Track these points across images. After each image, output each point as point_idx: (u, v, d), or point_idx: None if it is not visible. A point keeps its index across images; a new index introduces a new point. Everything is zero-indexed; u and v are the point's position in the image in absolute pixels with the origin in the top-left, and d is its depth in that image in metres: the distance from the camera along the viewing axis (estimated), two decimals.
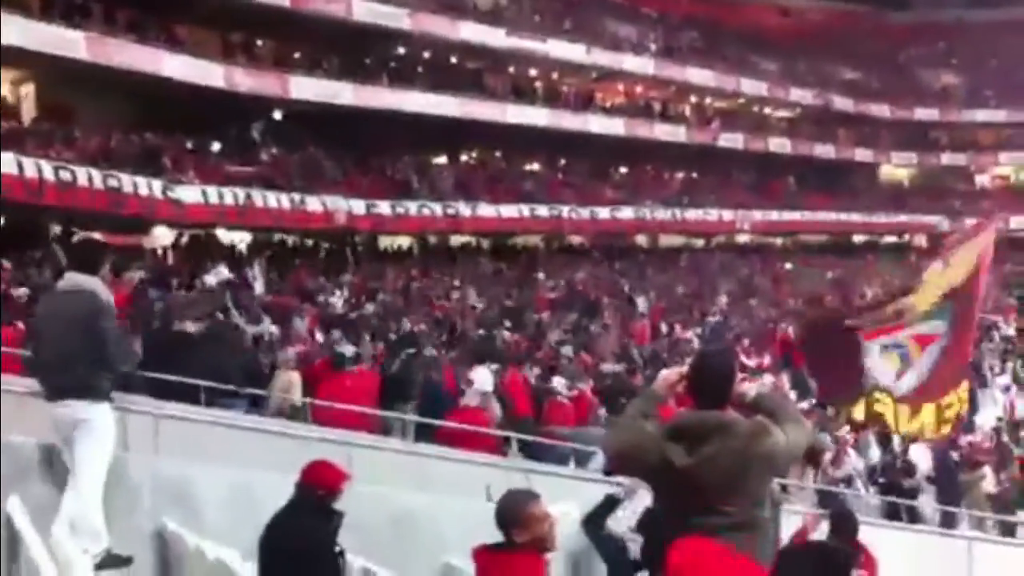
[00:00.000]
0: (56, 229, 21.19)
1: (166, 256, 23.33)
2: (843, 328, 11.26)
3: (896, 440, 16.15)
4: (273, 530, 5.31)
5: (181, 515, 6.43)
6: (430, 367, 13.73)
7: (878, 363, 10.95)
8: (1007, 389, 22.79)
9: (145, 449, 7.45)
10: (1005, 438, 17.93)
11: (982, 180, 55.94)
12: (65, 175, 20.75)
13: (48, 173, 20.43)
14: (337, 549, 5.34)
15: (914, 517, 13.49)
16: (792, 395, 19.15)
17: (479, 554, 4.25)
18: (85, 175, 21.24)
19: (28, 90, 25.44)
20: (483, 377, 12.32)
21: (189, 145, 26.76)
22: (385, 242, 30.98)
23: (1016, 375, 23.94)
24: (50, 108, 24.81)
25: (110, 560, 5.64)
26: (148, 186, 22.70)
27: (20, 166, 19.87)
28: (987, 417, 20.53)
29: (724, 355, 5.06)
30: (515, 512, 4.17)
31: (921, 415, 11.24)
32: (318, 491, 5.37)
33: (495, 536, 4.24)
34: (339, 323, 17.00)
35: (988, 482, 15.16)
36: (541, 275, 30.11)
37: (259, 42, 30.79)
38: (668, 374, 4.48)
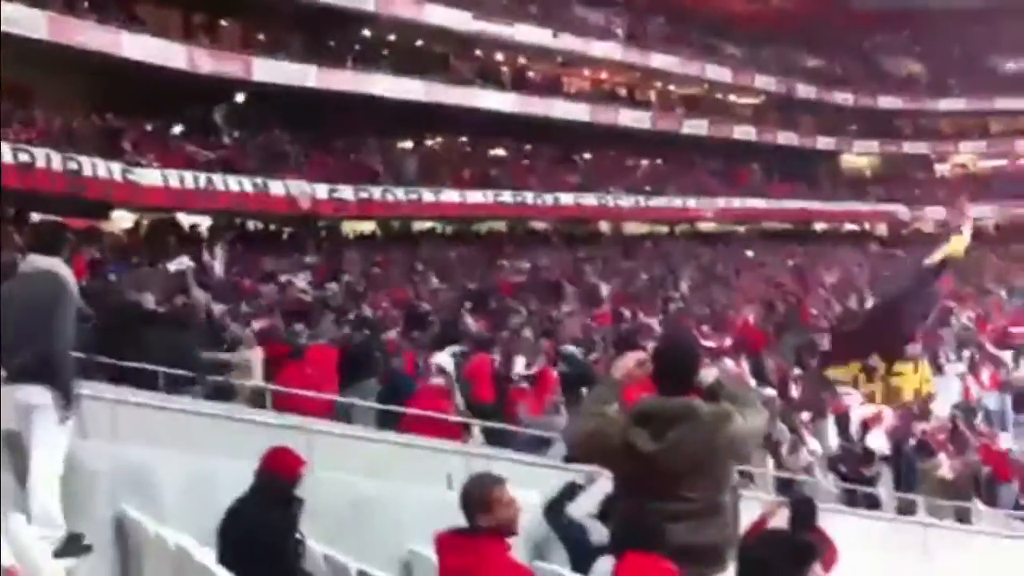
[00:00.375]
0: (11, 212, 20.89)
1: (126, 240, 23.06)
2: None
3: (854, 426, 16.37)
4: (232, 517, 5.30)
5: (140, 502, 6.40)
6: (391, 352, 13.72)
7: None
8: (963, 376, 23.05)
9: (103, 436, 7.39)
10: (961, 426, 18.17)
11: (942, 169, 56.47)
12: (24, 157, 20.46)
13: (7, 155, 20.13)
14: (297, 536, 5.33)
15: (872, 504, 13.67)
16: (751, 381, 19.32)
17: (442, 538, 4.27)
18: (44, 157, 20.94)
19: None
20: (444, 361, 12.36)
21: (150, 127, 26.46)
22: (348, 227, 30.80)
23: (972, 360, 24.19)
24: (8, 88, 24.37)
25: (69, 547, 5.60)
26: (108, 169, 22.41)
27: None
28: (943, 405, 20.79)
29: (687, 341, 5.11)
30: (481, 496, 4.19)
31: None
32: (278, 478, 5.35)
33: (456, 523, 4.26)
34: (300, 306, 16.92)
35: (944, 469, 15.37)
36: (505, 261, 30.09)
37: (222, 23, 30.48)
38: (626, 360, 4.51)
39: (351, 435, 9.99)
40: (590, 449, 4.31)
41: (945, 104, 53.50)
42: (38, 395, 5.72)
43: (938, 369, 21.99)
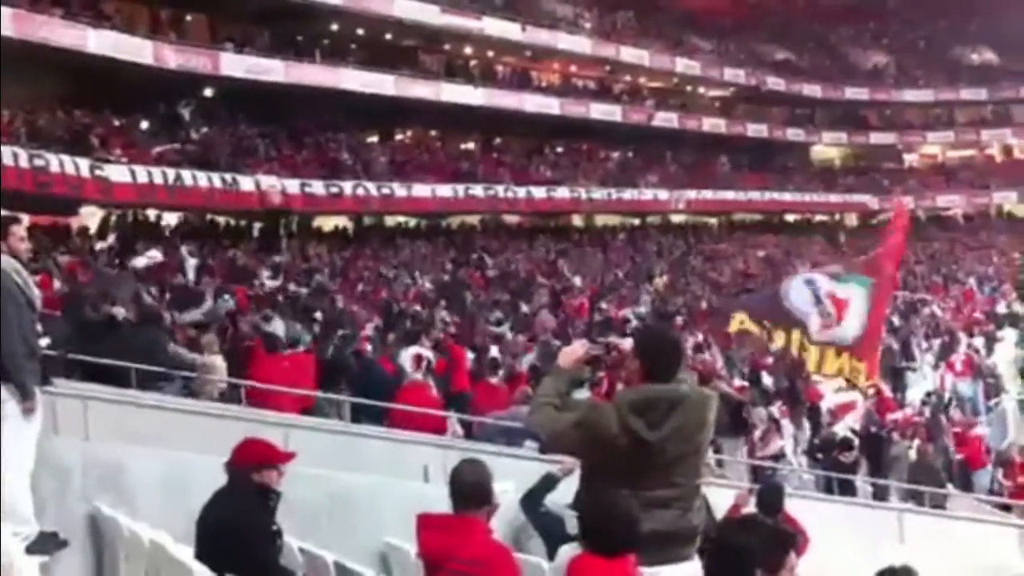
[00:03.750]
0: None
1: (94, 237, 22.84)
2: None
3: (824, 414, 16.46)
4: (209, 512, 5.22)
5: (113, 499, 6.33)
6: (364, 348, 13.67)
7: (798, 294, 11.62)
8: (936, 366, 23.26)
9: (75, 433, 7.30)
10: (929, 412, 18.34)
11: (910, 159, 56.94)
12: None
13: None
14: (274, 528, 5.27)
15: (846, 490, 13.75)
16: (724, 371, 19.40)
17: (423, 519, 4.24)
18: (10, 154, 20.70)
19: None
20: (422, 352, 12.34)
21: (117, 123, 26.23)
22: (319, 222, 30.66)
23: (942, 348, 24.42)
24: None
25: (42, 543, 5.53)
26: (75, 165, 22.19)
27: None
28: (917, 394, 20.98)
29: (671, 331, 5.12)
30: (476, 485, 4.18)
31: (839, 360, 11.83)
32: (251, 470, 5.26)
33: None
34: (271, 304, 16.82)
35: (913, 455, 15.51)
36: (477, 255, 30.06)
37: (188, 18, 30.24)
38: (573, 348, 4.53)
39: (327, 429, 9.93)
40: (576, 439, 4.26)
41: (911, 95, 53.94)
42: (3, 392, 5.62)
43: (910, 358, 22.19)
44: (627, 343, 4.57)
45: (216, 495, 5.24)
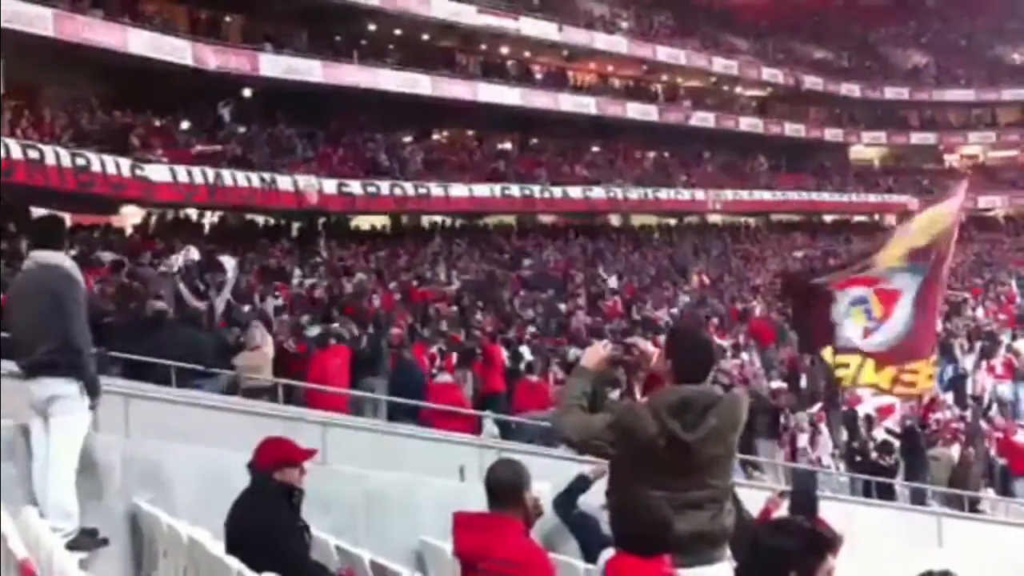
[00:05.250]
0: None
1: (135, 236, 23.08)
2: (815, 283, 11.41)
3: (861, 418, 16.31)
4: (234, 513, 5.25)
5: (153, 495, 6.40)
6: (400, 345, 13.72)
7: (846, 319, 11.14)
8: (976, 368, 22.96)
9: (116, 430, 7.38)
10: (970, 416, 18.12)
11: (951, 160, 56.34)
12: (33, 154, 20.47)
13: (16, 152, 20.15)
14: (301, 524, 5.28)
15: (884, 494, 13.64)
16: (761, 373, 19.30)
17: (460, 517, 4.24)
18: (53, 154, 20.96)
19: None
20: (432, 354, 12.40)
21: (158, 123, 26.48)
22: (356, 222, 30.79)
23: (983, 350, 24.10)
24: (17, 85, 24.47)
25: (83, 540, 5.60)
26: (116, 165, 22.43)
27: None
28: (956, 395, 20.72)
29: (702, 331, 5.11)
30: (512, 486, 4.18)
31: (883, 372, 11.44)
32: (272, 469, 5.28)
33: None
34: (310, 303, 16.93)
35: (954, 459, 15.33)
36: (512, 255, 30.07)
37: (227, 19, 30.47)
38: (596, 348, 4.52)
39: (364, 428, 9.98)
40: (609, 440, 4.25)
41: (952, 95, 53.36)
42: (58, 387, 5.73)
43: (951, 360, 21.93)
44: (647, 343, 4.59)
45: (240, 496, 5.27)
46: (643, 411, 4.15)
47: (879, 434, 15.54)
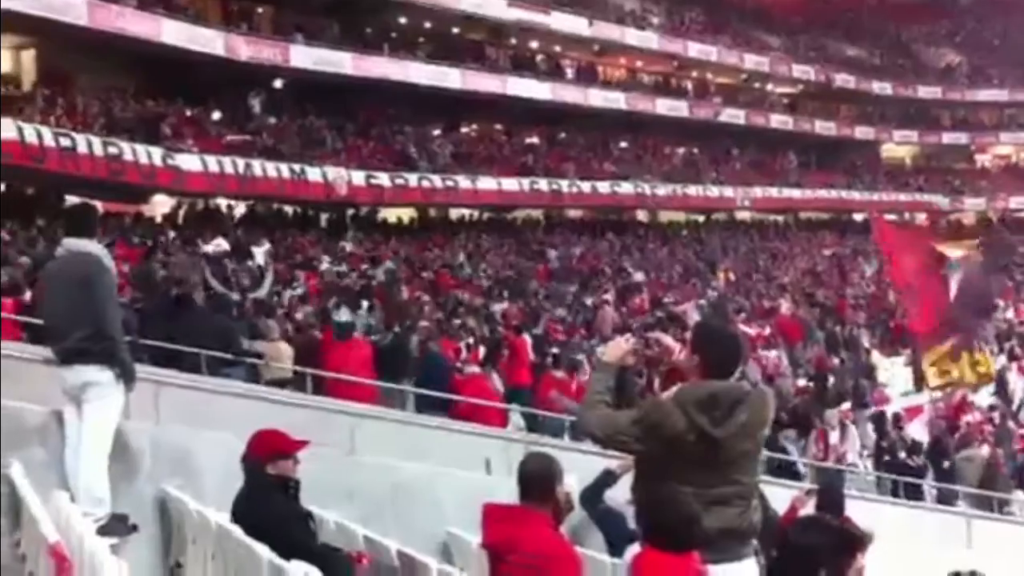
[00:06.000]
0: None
1: (165, 225, 23.24)
2: None
3: (889, 418, 16.23)
4: (235, 509, 5.26)
5: (181, 482, 6.44)
6: (427, 338, 13.73)
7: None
8: (1006, 370, 22.79)
9: (146, 416, 7.43)
10: (998, 417, 17.99)
11: (983, 160, 55.84)
12: (65, 142, 20.65)
13: (49, 139, 20.33)
14: (302, 512, 5.27)
15: (912, 495, 13.55)
16: (788, 371, 19.23)
17: (489, 509, 4.24)
18: (85, 142, 21.13)
19: (29, 56, 25.29)
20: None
21: (189, 113, 26.63)
22: (384, 214, 30.87)
23: (1012, 352, 23.93)
24: (50, 74, 24.67)
25: (113, 526, 5.64)
26: (148, 154, 22.59)
27: (21, 132, 19.76)
28: (985, 396, 20.57)
29: (730, 327, 5.08)
30: (543, 480, 4.17)
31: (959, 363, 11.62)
32: (265, 462, 5.26)
33: None
34: (338, 292, 16.98)
35: (983, 459, 15.22)
36: (539, 248, 30.07)
37: (259, 10, 30.59)
38: (617, 342, 4.50)
39: (392, 419, 10.00)
40: (635, 435, 4.22)
41: (985, 94, 52.87)
42: (92, 374, 5.77)
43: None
44: (668, 338, 4.57)
45: (239, 493, 5.28)
46: (670, 406, 4.13)
47: (909, 433, 15.44)
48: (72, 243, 5.98)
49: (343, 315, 13.53)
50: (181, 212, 24.69)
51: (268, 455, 5.26)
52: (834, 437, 14.03)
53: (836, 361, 19.62)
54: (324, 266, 20.45)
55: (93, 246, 5.99)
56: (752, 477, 4.22)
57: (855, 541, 3.23)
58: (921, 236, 13.93)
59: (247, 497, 5.24)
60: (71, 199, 19.20)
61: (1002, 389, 20.27)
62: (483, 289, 21.86)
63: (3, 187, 20.75)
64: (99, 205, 14.82)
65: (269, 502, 5.14)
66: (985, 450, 15.36)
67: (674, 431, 4.04)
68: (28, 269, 12.23)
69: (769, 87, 48.08)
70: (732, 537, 4.10)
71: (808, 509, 7.85)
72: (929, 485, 14.14)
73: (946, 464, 14.85)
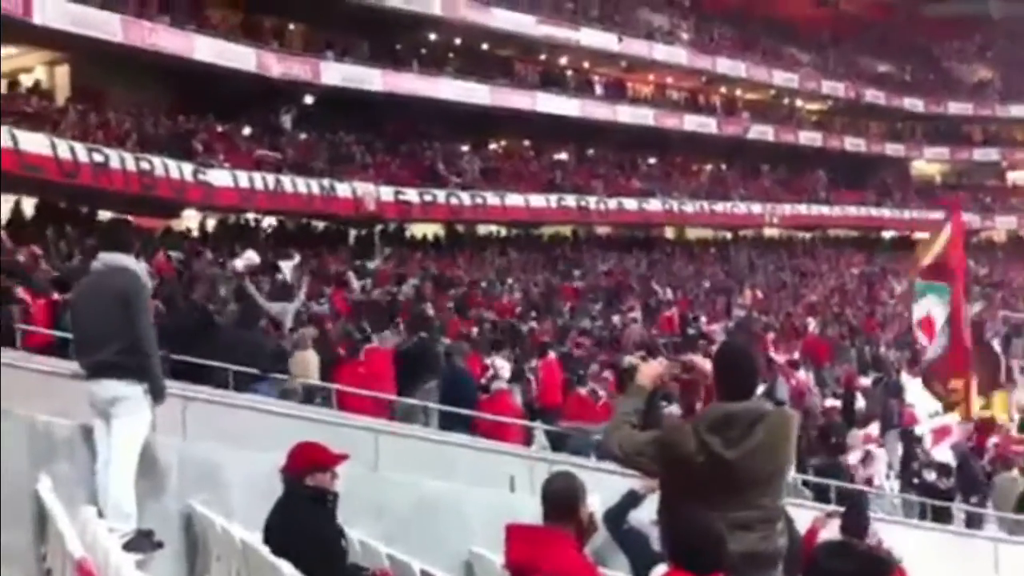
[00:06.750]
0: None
1: (197, 240, 23.39)
2: None
3: (925, 439, 16.06)
4: (271, 521, 5.28)
5: (207, 497, 6.47)
6: (452, 353, 13.73)
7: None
8: None
9: (173, 432, 7.49)
10: None
11: (1015, 177, 55.32)
12: (98, 157, 20.87)
13: (82, 155, 20.55)
14: (336, 528, 5.30)
15: (940, 517, 13.41)
16: (816, 391, 19.10)
17: (512, 529, 4.22)
18: (117, 157, 21.34)
19: (62, 71, 25.59)
20: (503, 366, 12.38)
21: (220, 129, 26.85)
22: (412, 230, 30.96)
23: None
24: (83, 90, 24.95)
25: (139, 541, 5.68)
26: (179, 169, 22.78)
27: (54, 147, 19.99)
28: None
29: (748, 347, 5.06)
30: (567, 499, 4.15)
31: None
32: (304, 474, 5.30)
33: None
34: (366, 308, 17.02)
35: (1019, 483, 15.01)
36: (567, 265, 30.06)
37: (291, 27, 30.83)
38: (652, 366, 4.49)
39: (416, 435, 10.02)
40: (653, 456, 4.23)
41: (1017, 111, 52.38)
42: (122, 389, 5.81)
43: (1011, 381, 21.59)
44: (704, 360, 4.53)
45: (276, 504, 5.31)
46: (685, 428, 4.13)
47: (938, 455, 15.27)
48: (109, 258, 6.03)
49: (361, 332, 13.53)
50: (210, 225, 24.87)
51: (307, 467, 5.30)
52: (853, 458, 13.92)
53: (866, 381, 19.47)
54: (354, 284, 20.49)
55: (130, 261, 6.04)
56: (776, 500, 4.16)
57: (882, 567, 3.21)
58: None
59: (283, 508, 5.28)
60: (104, 214, 19.43)
61: None
62: (512, 306, 21.84)
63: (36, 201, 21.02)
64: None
65: (305, 514, 5.17)
66: (1016, 473, 15.17)
67: (684, 452, 4.03)
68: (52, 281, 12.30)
69: (798, 103, 47.89)
70: (754, 563, 4.04)
71: (830, 531, 7.79)
72: (956, 508, 13.99)
73: (973, 486, 14.69)
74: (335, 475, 5.36)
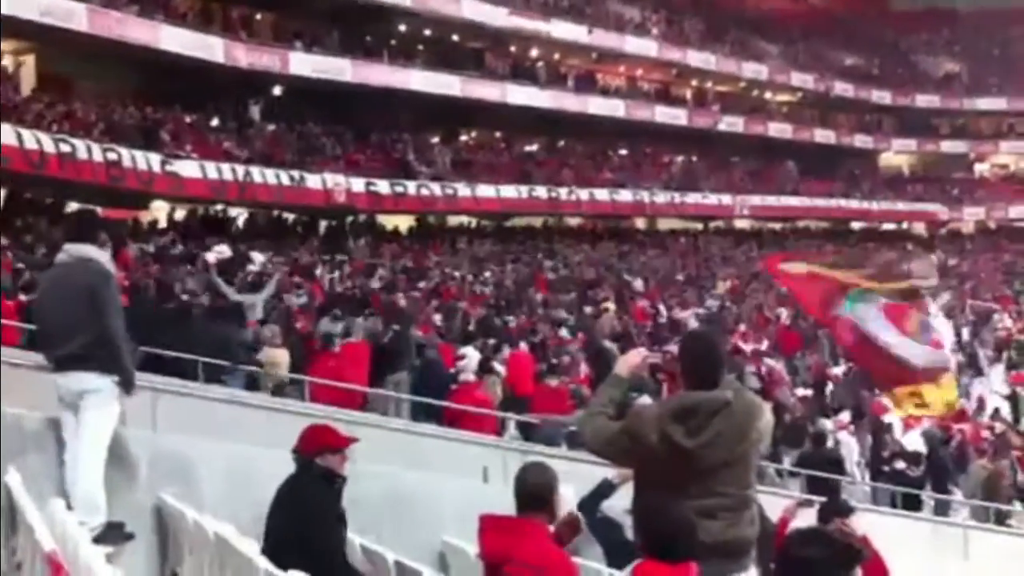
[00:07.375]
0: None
1: (164, 231, 23.24)
2: None
3: (896, 429, 16.18)
4: (280, 497, 5.36)
5: (179, 490, 6.42)
6: (423, 344, 13.73)
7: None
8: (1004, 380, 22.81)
9: (143, 424, 7.43)
10: (998, 427, 17.96)
11: (982, 169, 55.87)
12: (65, 147, 20.65)
13: (48, 145, 20.33)
14: (340, 513, 5.38)
15: (910, 505, 13.52)
16: (788, 380, 19.20)
17: (486, 519, 4.23)
18: (84, 148, 21.13)
19: (28, 61, 25.31)
20: (472, 356, 12.38)
21: (188, 120, 26.64)
22: (383, 221, 30.87)
23: (1011, 361, 23.94)
24: (50, 80, 24.70)
25: (109, 534, 5.62)
26: (147, 160, 22.59)
27: (20, 138, 19.77)
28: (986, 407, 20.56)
29: (713, 337, 5.06)
30: (540, 489, 4.16)
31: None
32: (315, 455, 5.39)
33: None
34: (336, 300, 16.95)
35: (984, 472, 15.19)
36: (538, 256, 30.05)
37: (259, 17, 30.64)
38: (631, 355, 4.50)
39: (388, 427, 9.99)
40: (622, 447, 4.23)
41: (984, 103, 52.89)
42: (91, 381, 5.75)
43: (979, 372, 21.78)
44: None
45: (286, 481, 5.39)
46: (647, 417, 4.13)
47: (908, 442, 15.39)
48: (75, 249, 5.95)
49: (333, 327, 13.47)
50: (179, 216, 24.69)
51: (317, 449, 5.45)
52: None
53: (837, 371, 19.58)
54: (324, 276, 20.41)
55: (97, 252, 5.96)
56: (740, 489, 4.17)
57: (854, 554, 3.23)
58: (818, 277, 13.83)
59: (293, 484, 5.41)
60: (71, 205, 19.24)
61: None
62: (483, 297, 21.82)
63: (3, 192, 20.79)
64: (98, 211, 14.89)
65: (314, 493, 5.31)
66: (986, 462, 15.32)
67: (647, 441, 4.04)
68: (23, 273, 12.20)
69: (768, 95, 48.15)
70: (718, 552, 4.05)
71: (799, 520, 7.80)
72: (927, 496, 14.11)
73: (942, 474, 14.83)
74: (345, 457, 5.54)
